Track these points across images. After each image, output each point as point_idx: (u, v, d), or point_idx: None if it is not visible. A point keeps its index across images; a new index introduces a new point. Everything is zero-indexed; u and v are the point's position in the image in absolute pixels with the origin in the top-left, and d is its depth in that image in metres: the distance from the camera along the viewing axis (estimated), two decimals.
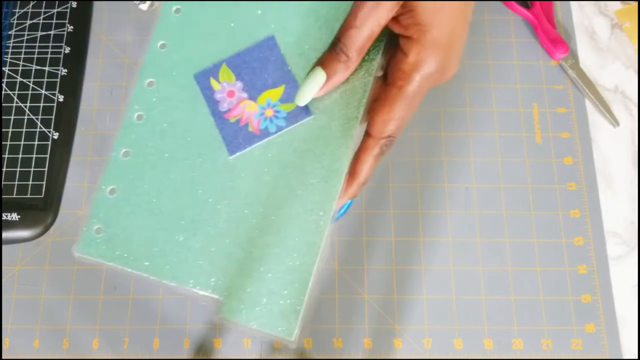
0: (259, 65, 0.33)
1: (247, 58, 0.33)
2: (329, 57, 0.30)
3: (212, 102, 0.33)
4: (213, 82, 0.33)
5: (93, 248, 0.32)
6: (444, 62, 0.30)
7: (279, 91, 0.33)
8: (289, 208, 0.31)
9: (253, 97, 0.33)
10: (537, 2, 0.55)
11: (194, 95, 0.33)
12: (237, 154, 0.32)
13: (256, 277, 0.31)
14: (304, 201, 0.31)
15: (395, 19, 0.30)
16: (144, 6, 0.35)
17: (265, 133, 0.32)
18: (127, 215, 0.32)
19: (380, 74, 0.33)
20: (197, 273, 0.31)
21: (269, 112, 0.33)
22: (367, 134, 0.31)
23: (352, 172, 0.31)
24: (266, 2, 0.33)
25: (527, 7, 0.55)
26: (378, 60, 0.32)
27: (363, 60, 0.32)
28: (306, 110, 0.32)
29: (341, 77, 0.31)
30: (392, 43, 0.32)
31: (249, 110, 0.33)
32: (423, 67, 0.29)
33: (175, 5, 0.34)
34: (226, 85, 0.33)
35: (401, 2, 0.29)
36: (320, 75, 0.30)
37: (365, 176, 0.32)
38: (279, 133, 0.32)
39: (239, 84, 0.33)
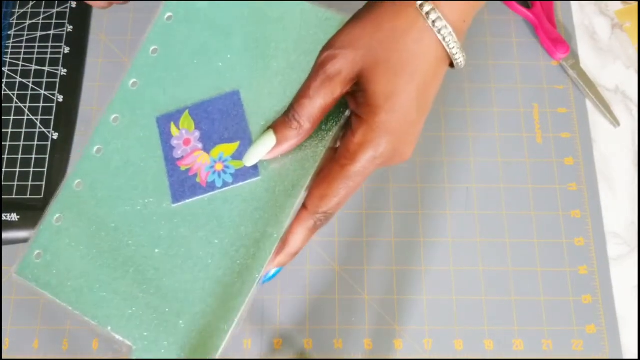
0: (219, 118, 0.33)
1: (210, 108, 0.33)
2: (281, 122, 0.30)
3: (168, 147, 0.33)
4: (173, 127, 0.34)
5: (30, 272, 0.32)
6: (393, 147, 0.29)
7: (233, 147, 0.33)
8: (217, 268, 0.31)
9: (207, 149, 0.33)
10: (538, 2, 0.55)
11: (152, 137, 0.34)
12: (180, 203, 0.32)
13: (173, 332, 0.31)
14: (233, 263, 0.31)
15: (352, 94, 0.30)
16: None
17: (211, 186, 0.32)
18: (66, 246, 0.32)
19: (337, 145, 0.33)
20: (117, 317, 0.31)
21: (219, 166, 0.33)
22: (304, 206, 0.31)
23: (284, 241, 0.31)
24: (237, 56, 0.34)
25: (527, 7, 0.55)
26: (335, 131, 0.32)
27: (319, 129, 0.32)
28: (254, 170, 0.32)
29: (292, 144, 0.31)
30: (350, 119, 0.31)
31: (200, 162, 0.33)
32: (368, 149, 0.29)
33: (154, 45, 0.35)
34: (184, 133, 0.33)
35: (355, 80, 0.29)
36: (270, 138, 0.30)
37: (297, 247, 0.31)
38: (224, 189, 0.32)
39: (197, 134, 0.33)
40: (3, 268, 0.47)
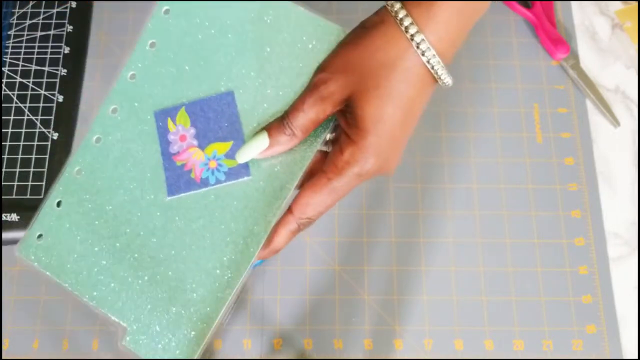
0: (213, 117, 0.34)
1: (205, 107, 0.35)
2: (276, 126, 0.32)
3: (165, 142, 0.35)
4: (170, 123, 0.35)
5: (31, 252, 0.34)
6: (378, 166, 0.31)
7: (226, 146, 0.34)
8: (207, 260, 0.33)
9: (201, 146, 0.34)
10: (538, 2, 0.55)
11: (150, 131, 0.35)
12: (175, 196, 0.34)
13: (164, 317, 0.33)
14: (221, 257, 0.33)
15: (342, 112, 0.32)
16: None
17: (204, 183, 0.34)
18: (66, 230, 0.34)
19: (326, 149, 0.34)
20: (113, 299, 0.33)
21: (213, 164, 0.34)
22: (289, 210, 0.32)
23: (270, 238, 0.33)
24: (232, 57, 0.35)
25: (527, 7, 0.55)
26: (324, 137, 0.34)
27: (309, 136, 0.33)
28: (245, 170, 0.34)
29: (283, 148, 0.32)
30: (339, 132, 0.34)
31: (195, 158, 0.34)
32: (354, 167, 0.31)
33: (152, 39, 0.36)
34: (180, 129, 0.35)
35: (346, 102, 0.31)
36: (264, 140, 0.32)
37: (279, 247, 0.33)
38: (217, 186, 0.34)
39: (192, 131, 0.35)
40: (3, 268, 0.47)
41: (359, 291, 0.47)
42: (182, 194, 0.34)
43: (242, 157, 0.33)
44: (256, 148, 0.32)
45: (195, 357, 0.32)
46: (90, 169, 0.34)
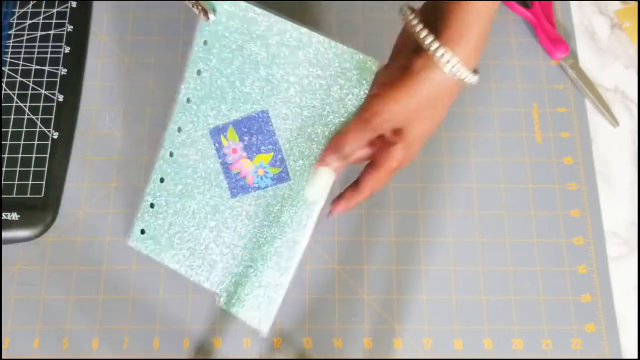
0: (255, 133, 0.42)
1: (248, 125, 0.42)
2: (330, 156, 0.38)
3: (221, 155, 0.43)
4: (222, 138, 0.42)
5: (140, 243, 0.44)
6: (411, 159, 0.39)
7: (268, 156, 0.42)
8: (269, 245, 0.42)
9: (250, 157, 0.42)
10: (537, 2, 0.55)
11: (209, 146, 0.43)
12: (237, 198, 0.42)
13: (249, 284, 0.42)
14: (279, 241, 0.41)
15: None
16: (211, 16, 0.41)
17: (257, 187, 0.42)
18: (161, 225, 0.44)
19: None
20: (204, 273, 0.43)
21: (260, 172, 0.42)
22: (356, 184, 0.39)
23: (358, 188, 0.39)
24: (264, 82, 0.41)
25: (527, 7, 0.55)
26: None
27: None
28: (287, 175, 0.41)
29: (338, 173, 0.39)
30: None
31: (247, 168, 0.42)
32: (401, 164, 0.38)
33: (197, 67, 0.42)
34: (232, 144, 0.42)
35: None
36: (329, 175, 0.38)
37: (364, 195, 0.40)
38: (267, 189, 0.42)
39: (241, 145, 0.42)
40: (3, 268, 0.47)
41: (359, 290, 0.47)
42: (241, 196, 0.42)
43: (312, 195, 0.39)
44: (325, 186, 0.39)
45: (272, 319, 0.41)
46: (170, 178, 0.43)
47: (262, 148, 0.42)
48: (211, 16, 0.40)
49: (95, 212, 0.49)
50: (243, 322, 0.42)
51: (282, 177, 0.41)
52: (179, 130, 0.43)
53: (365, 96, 0.38)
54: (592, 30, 0.56)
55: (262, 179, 0.42)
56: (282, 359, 0.45)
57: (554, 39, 0.54)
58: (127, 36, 0.55)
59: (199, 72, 0.43)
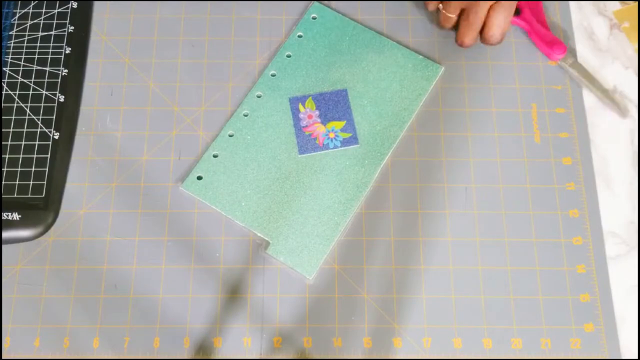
0: (332, 104, 0.51)
1: (327, 98, 0.51)
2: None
3: (296, 118, 0.51)
4: (300, 106, 0.51)
5: (192, 188, 0.48)
6: None
7: (341, 124, 0.50)
8: (328, 199, 0.48)
9: (324, 123, 0.50)
10: (526, 8, 0.54)
11: (286, 110, 0.51)
12: (305, 155, 0.49)
13: (298, 233, 0.47)
14: (337, 197, 0.48)
15: None
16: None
17: (325, 147, 0.50)
18: (221, 173, 0.49)
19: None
20: (257, 222, 0.47)
21: (332, 135, 0.50)
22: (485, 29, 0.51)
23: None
24: (347, 69, 0.52)
25: (517, 14, 0.54)
26: (409, 121, 0.51)
27: (400, 120, 0.51)
28: (355, 140, 0.50)
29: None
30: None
31: (319, 130, 0.50)
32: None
33: (288, 52, 0.53)
34: (308, 111, 0.51)
35: None
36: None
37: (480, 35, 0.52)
38: (334, 149, 0.50)
39: (317, 112, 0.51)
40: (4, 268, 0.47)
41: (359, 290, 0.47)
42: (310, 153, 0.49)
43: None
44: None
45: (317, 267, 0.46)
46: (239, 132, 0.50)
47: (336, 116, 0.50)
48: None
49: (95, 212, 0.49)
50: (288, 270, 0.46)
51: (350, 141, 0.50)
52: (258, 95, 0.51)
53: (430, 90, 0.52)
54: (590, 30, 0.56)
55: (331, 140, 0.49)
56: (282, 358, 0.45)
57: (549, 40, 0.54)
58: (127, 36, 0.55)
59: (288, 56, 0.53)
